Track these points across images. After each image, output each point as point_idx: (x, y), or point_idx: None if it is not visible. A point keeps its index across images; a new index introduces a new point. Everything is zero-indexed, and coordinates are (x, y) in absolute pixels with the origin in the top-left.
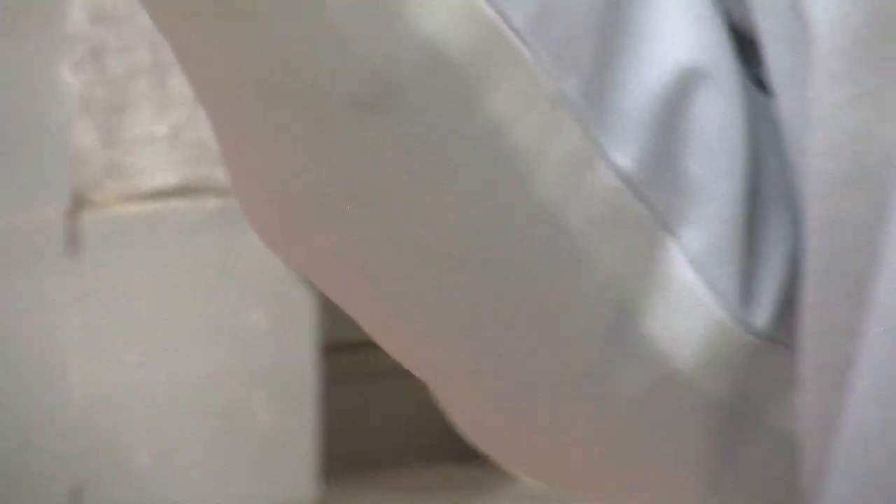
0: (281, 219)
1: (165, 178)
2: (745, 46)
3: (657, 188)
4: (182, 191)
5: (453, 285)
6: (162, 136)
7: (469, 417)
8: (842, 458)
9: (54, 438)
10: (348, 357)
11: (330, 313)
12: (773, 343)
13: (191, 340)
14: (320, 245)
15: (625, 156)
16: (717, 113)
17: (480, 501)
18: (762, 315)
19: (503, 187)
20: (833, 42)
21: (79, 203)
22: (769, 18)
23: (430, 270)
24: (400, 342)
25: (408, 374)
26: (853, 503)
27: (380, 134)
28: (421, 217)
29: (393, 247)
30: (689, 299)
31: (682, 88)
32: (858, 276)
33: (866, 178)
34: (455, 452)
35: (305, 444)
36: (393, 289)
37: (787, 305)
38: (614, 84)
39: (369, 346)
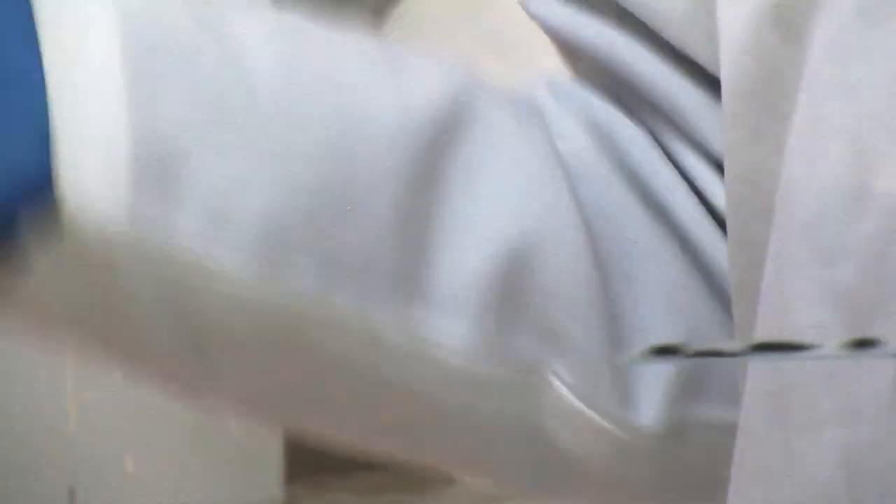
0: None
1: None
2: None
3: (508, 350)
4: None
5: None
6: None
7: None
8: None
9: (52, 444)
10: None
11: None
12: (668, 433)
13: None
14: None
15: (456, 338)
16: (559, 267)
17: (423, 499)
18: (647, 414)
19: (375, 390)
20: (733, 86)
21: None
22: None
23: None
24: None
25: None
26: None
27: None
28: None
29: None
30: (579, 418)
31: (513, 263)
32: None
33: (764, 206)
34: (389, 461)
35: (272, 450)
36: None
37: (685, 394)
38: (429, 284)
39: None
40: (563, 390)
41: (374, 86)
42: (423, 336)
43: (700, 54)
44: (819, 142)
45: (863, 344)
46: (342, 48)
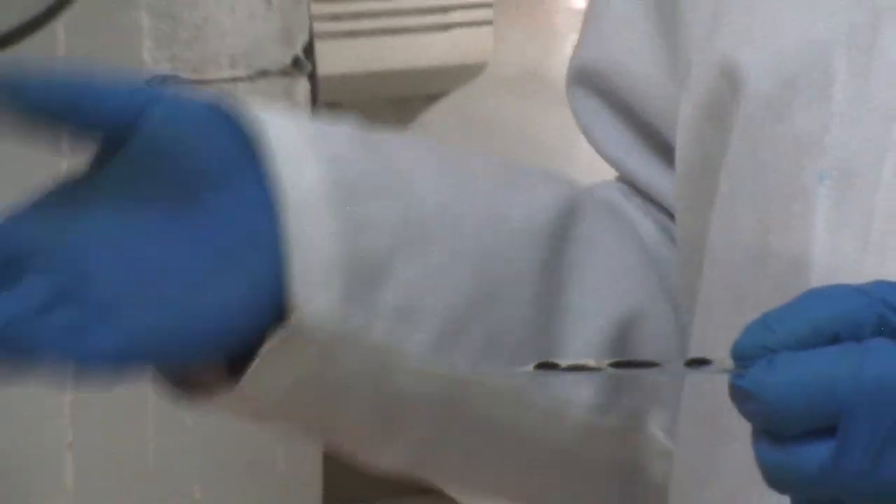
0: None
1: None
2: None
3: (620, 402)
4: None
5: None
6: None
7: None
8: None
9: (135, 475)
10: None
11: None
12: None
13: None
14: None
15: (586, 396)
16: (654, 337)
17: None
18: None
19: (519, 451)
20: (680, 171)
21: None
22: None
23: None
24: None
25: None
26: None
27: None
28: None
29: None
30: (664, 453)
31: (620, 334)
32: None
33: (696, 264)
34: (418, 489)
35: (313, 478)
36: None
37: None
38: (560, 352)
39: None
40: (660, 434)
41: (509, 195)
42: (559, 396)
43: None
44: (735, 212)
45: (698, 362)
46: (479, 167)
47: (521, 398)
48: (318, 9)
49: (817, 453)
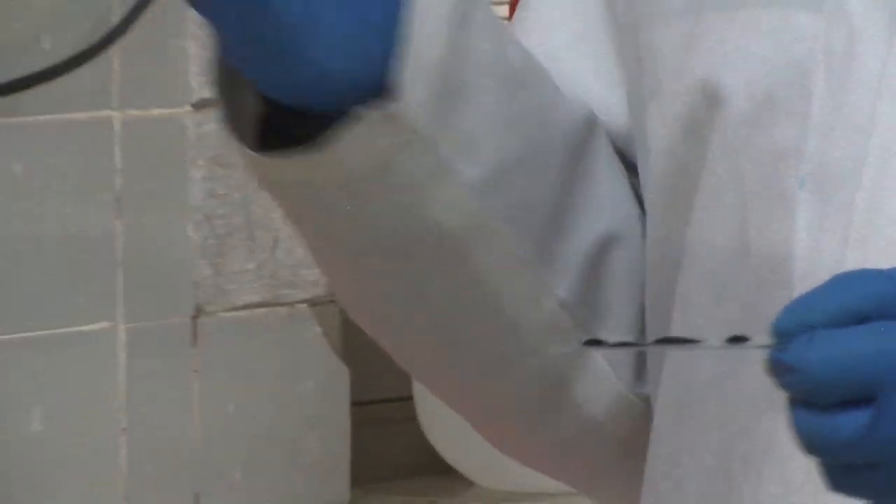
0: (358, 316)
1: (252, 297)
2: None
3: (582, 311)
4: (263, 304)
5: (451, 361)
6: (250, 270)
7: (472, 423)
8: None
9: (181, 457)
10: (367, 409)
11: (356, 381)
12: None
13: (266, 397)
14: (379, 328)
15: (563, 291)
16: (625, 264)
17: (451, 500)
18: (648, 388)
19: (481, 310)
20: (656, 178)
21: (199, 312)
22: (641, 159)
23: (440, 352)
24: (422, 376)
25: (402, 423)
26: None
27: (414, 278)
28: (432, 325)
29: (413, 332)
30: (602, 378)
31: (604, 248)
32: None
33: (673, 261)
34: (434, 466)
35: (341, 461)
36: (415, 350)
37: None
38: (559, 243)
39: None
40: (602, 363)
41: (554, 93)
42: (547, 282)
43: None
44: (715, 214)
45: (737, 339)
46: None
47: (518, 267)
48: None
49: (854, 420)
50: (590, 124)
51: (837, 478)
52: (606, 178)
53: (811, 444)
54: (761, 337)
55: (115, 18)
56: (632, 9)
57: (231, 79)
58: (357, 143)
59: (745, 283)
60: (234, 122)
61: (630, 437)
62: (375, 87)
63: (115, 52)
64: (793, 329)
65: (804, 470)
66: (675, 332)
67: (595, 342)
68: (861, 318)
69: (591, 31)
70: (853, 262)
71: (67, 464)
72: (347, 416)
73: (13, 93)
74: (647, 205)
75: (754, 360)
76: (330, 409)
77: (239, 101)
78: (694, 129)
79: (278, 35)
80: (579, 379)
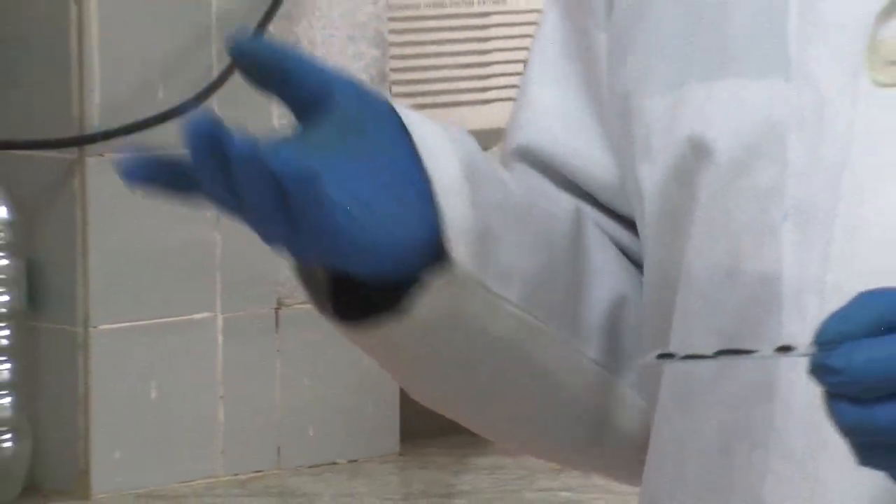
0: (434, 406)
1: None
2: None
3: (612, 362)
4: None
5: (512, 423)
6: None
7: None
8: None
9: (263, 416)
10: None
11: None
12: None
13: (332, 371)
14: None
15: (593, 352)
16: (635, 319)
17: (484, 451)
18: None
19: (538, 386)
20: (651, 218)
21: (280, 304)
22: (635, 202)
23: (502, 419)
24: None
25: None
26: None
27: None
28: (497, 407)
29: (479, 413)
30: (631, 403)
31: (615, 308)
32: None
33: (671, 281)
34: None
35: (391, 416)
36: (471, 415)
37: None
38: (581, 317)
39: None
40: (631, 392)
41: (547, 201)
42: (579, 350)
43: (623, 208)
44: (709, 243)
45: (784, 349)
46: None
47: (560, 346)
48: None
49: (891, 411)
50: (577, 212)
51: (869, 455)
52: (599, 251)
53: (852, 430)
54: (807, 346)
55: (215, 73)
56: (618, 83)
57: (309, 273)
58: (429, 303)
59: (737, 298)
60: (320, 303)
61: (646, 436)
62: (427, 259)
63: (214, 99)
64: (833, 338)
65: (803, 445)
66: (674, 340)
67: (667, 356)
68: (891, 328)
69: (575, 111)
70: (833, 280)
71: (177, 424)
72: (397, 385)
73: (136, 132)
74: (643, 237)
75: (747, 360)
76: (382, 379)
77: (319, 289)
78: (684, 176)
79: (362, 249)
80: (617, 409)
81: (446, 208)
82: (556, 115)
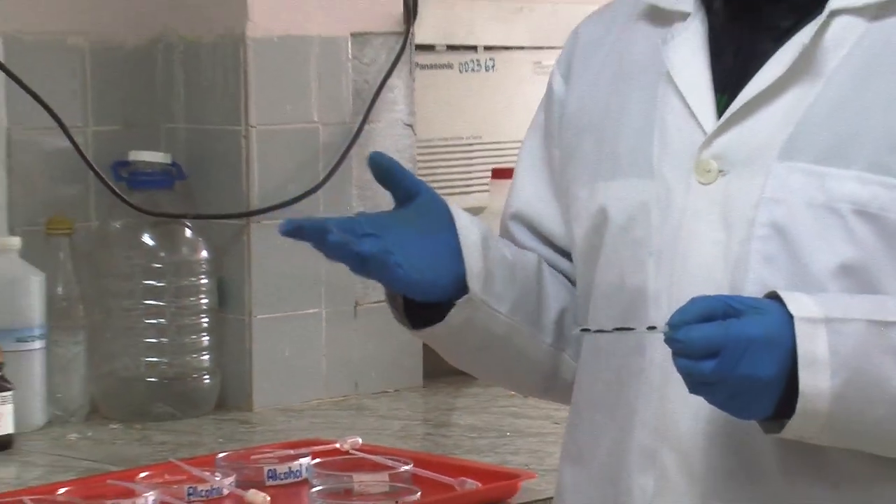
0: (459, 367)
1: (381, 296)
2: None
3: (559, 343)
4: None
5: (501, 375)
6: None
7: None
8: None
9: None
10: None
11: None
12: None
13: (381, 341)
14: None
15: (548, 338)
16: (570, 317)
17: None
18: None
19: (517, 358)
20: (578, 252)
21: (357, 303)
22: (572, 246)
23: (495, 374)
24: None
25: None
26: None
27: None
28: (496, 369)
29: (485, 370)
30: (569, 366)
31: (561, 314)
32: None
33: (588, 289)
34: None
35: (417, 366)
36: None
37: None
38: (541, 320)
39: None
40: (568, 357)
41: (524, 255)
42: (541, 338)
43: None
44: (608, 269)
45: (651, 328)
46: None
47: (530, 338)
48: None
49: (709, 364)
50: (538, 259)
51: (695, 387)
52: (550, 281)
53: (685, 373)
54: (663, 327)
55: (321, 177)
56: (564, 179)
57: (392, 296)
58: (457, 315)
59: (624, 300)
60: (398, 314)
61: (573, 380)
62: (457, 290)
63: (321, 193)
64: (677, 323)
65: (659, 379)
66: (591, 322)
67: (586, 330)
68: (709, 318)
69: (544, 193)
70: (676, 291)
71: (300, 370)
72: (421, 348)
73: (280, 209)
74: (575, 265)
75: (630, 334)
76: (412, 346)
77: (396, 306)
78: (595, 232)
79: (416, 289)
80: (561, 367)
81: (468, 263)
82: (533, 196)
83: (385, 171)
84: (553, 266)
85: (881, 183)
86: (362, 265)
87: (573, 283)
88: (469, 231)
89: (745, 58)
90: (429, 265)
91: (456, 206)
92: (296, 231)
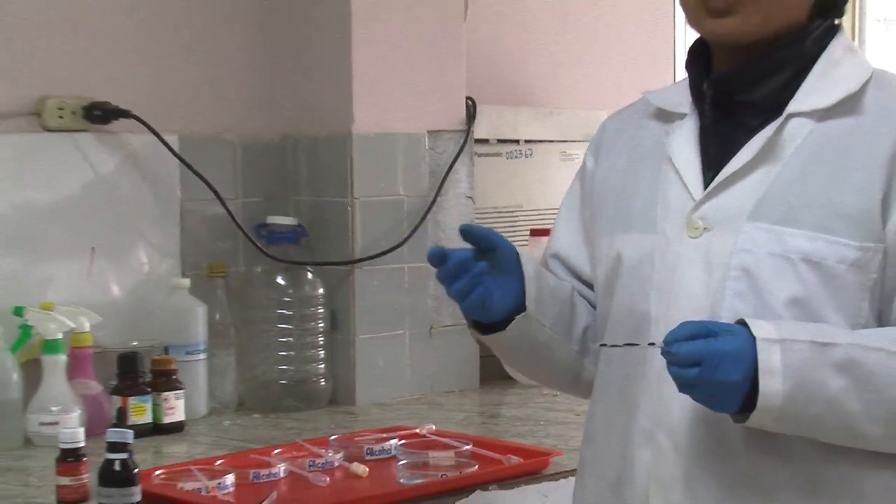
0: (515, 371)
1: (449, 320)
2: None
3: (583, 352)
4: (454, 325)
5: (541, 376)
6: (454, 309)
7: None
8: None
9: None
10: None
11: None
12: None
13: (450, 354)
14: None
15: (575, 346)
16: (592, 333)
17: (526, 391)
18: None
19: (554, 361)
20: (599, 285)
21: (432, 327)
22: (595, 282)
23: (537, 374)
24: (520, 370)
25: None
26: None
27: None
28: (539, 371)
29: (530, 371)
30: (590, 368)
31: (585, 330)
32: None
33: (605, 315)
34: None
35: (474, 371)
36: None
37: None
38: (572, 332)
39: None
40: (590, 365)
41: (562, 285)
42: (571, 348)
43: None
44: (621, 299)
45: (651, 344)
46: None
47: (564, 346)
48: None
49: (694, 371)
50: (572, 288)
51: (684, 388)
52: (580, 304)
53: (676, 377)
54: (661, 343)
55: (405, 233)
56: (591, 229)
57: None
58: (516, 327)
59: (632, 323)
60: (471, 327)
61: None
62: (516, 309)
63: (406, 246)
64: (672, 340)
65: (657, 379)
66: (606, 339)
67: (603, 345)
68: (694, 337)
69: (577, 239)
70: (672, 315)
71: (390, 372)
72: (477, 356)
73: (375, 258)
74: (597, 295)
75: (635, 348)
76: (469, 356)
77: (470, 321)
78: (612, 272)
79: (490, 314)
80: (583, 371)
81: (528, 289)
82: (568, 242)
83: (476, 234)
84: (580, 294)
85: (824, 240)
86: (468, 304)
87: (594, 307)
88: (528, 267)
89: (726, 146)
90: (502, 300)
91: (522, 250)
92: (439, 257)
